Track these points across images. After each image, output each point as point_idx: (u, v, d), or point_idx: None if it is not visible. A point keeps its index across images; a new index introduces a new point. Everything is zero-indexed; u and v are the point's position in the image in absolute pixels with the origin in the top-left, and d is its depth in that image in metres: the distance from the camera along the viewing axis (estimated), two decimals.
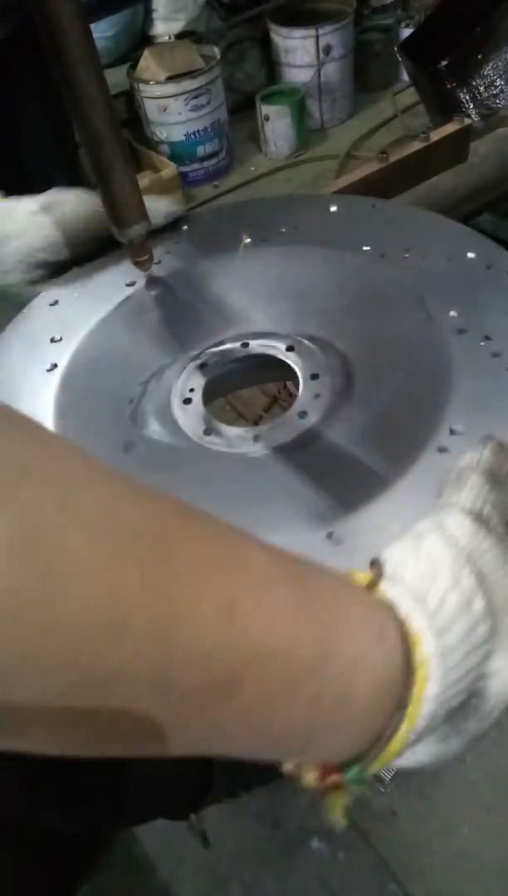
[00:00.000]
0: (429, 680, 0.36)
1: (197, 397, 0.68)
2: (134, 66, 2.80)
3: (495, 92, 2.13)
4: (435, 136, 0.83)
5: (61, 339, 0.74)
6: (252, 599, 0.31)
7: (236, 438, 0.63)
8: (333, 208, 0.79)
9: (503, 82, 2.11)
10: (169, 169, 2.74)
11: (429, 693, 0.36)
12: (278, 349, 0.69)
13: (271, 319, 0.72)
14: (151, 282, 0.77)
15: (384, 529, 0.52)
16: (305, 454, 0.60)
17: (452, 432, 0.57)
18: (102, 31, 2.82)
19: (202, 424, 0.65)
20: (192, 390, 0.68)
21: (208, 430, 0.65)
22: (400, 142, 0.82)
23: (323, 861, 1.18)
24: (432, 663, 0.36)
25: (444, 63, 2.17)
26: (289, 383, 0.71)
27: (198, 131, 2.83)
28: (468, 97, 2.13)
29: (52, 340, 0.74)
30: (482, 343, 0.62)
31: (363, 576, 0.41)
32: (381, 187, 0.83)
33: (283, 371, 0.68)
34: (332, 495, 0.56)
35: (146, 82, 2.76)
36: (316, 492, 0.57)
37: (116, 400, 0.69)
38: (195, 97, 2.75)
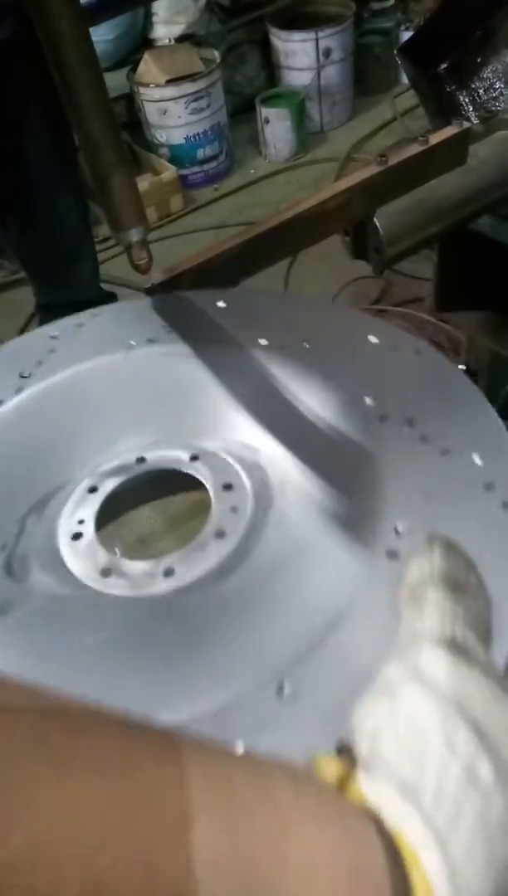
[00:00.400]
0: None
1: (89, 529, 0.57)
2: (134, 70, 2.81)
3: (494, 95, 2.12)
4: (434, 139, 0.83)
5: None
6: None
7: (143, 576, 0.52)
8: (221, 304, 0.72)
9: (502, 85, 2.11)
10: (169, 172, 2.74)
11: None
12: (180, 460, 0.60)
13: (167, 427, 0.63)
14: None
15: (345, 672, 0.42)
16: (230, 586, 0.50)
17: (397, 533, 0.49)
18: (103, 34, 2.82)
19: (98, 564, 0.54)
20: (81, 521, 0.57)
21: (107, 571, 0.53)
22: (400, 145, 0.82)
23: None
24: (438, 886, 0.27)
25: (444, 66, 2.17)
26: None
27: (198, 134, 2.83)
28: (467, 100, 2.13)
29: None
30: (406, 429, 0.55)
31: (332, 767, 0.30)
32: (380, 191, 0.83)
33: (189, 484, 0.59)
34: (274, 637, 0.46)
35: (146, 85, 2.76)
36: (255, 634, 0.47)
37: None
38: (195, 100, 2.76)
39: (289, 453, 0.58)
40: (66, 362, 0.68)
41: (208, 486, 0.57)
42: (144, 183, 2.66)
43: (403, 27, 3.07)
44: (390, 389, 0.59)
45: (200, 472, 0.59)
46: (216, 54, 2.83)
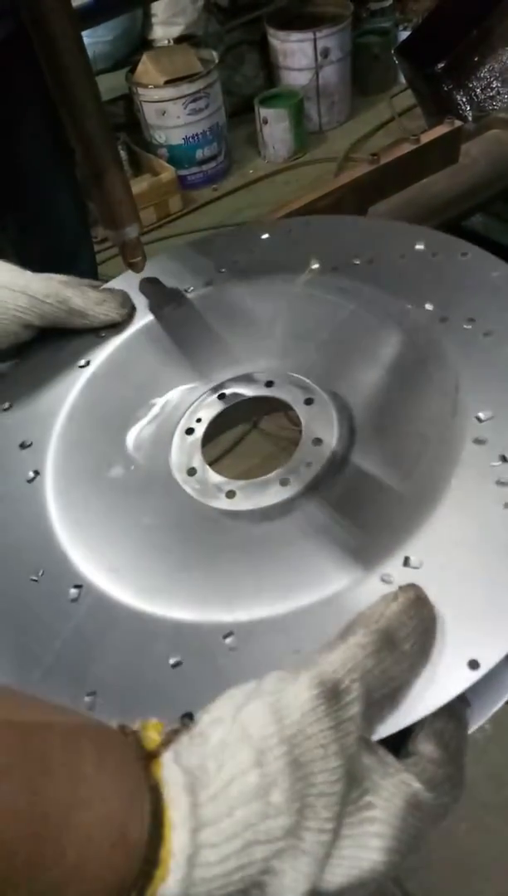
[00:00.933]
0: (167, 879, 0.32)
1: (201, 428, 0.64)
2: (133, 71, 2.82)
3: (491, 94, 2.13)
4: (426, 138, 0.84)
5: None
6: None
7: (212, 487, 0.59)
8: (265, 235, 0.75)
9: (499, 84, 2.12)
10: (168, 172, 2.75)
11: (166, 891, 0.33)
12: (295, 393, 0.65)
13: (273, 356, 0.67)
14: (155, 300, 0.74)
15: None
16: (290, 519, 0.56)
17: (480, 420, 0.53)
18: (102, 35, 2.84)
19: (190, 463, 0.62)
20: (199, 420, 0.64)
21: (192, 471, 0.61)
22: (397, 144, 0.83)
23: None
24: (173, 863, 0.33)
25: (441, 65, 2.18)
26: None
27: (197, 135, 2.84)
28: (464, 99, 2.14)
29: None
30: (467, 326, 0.59)
31: (150, 735, 0.37)
32: (373, 190, 0.84)
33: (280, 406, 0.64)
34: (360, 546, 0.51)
35: (145, 86, 2.78)
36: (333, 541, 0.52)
37: (125, 412, 0.67)
38: (194, 101, 2.77)
39: (357, 370, 0.62)
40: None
41: (290, 402, 0.62)
42: (143, 183, 2.68)
43: (401, 27, 3.08)
44: (445, 292, 0.62)
45: (281, 393, 0.64)
46: (215, 55, 2.84)
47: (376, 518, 0.53)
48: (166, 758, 0.36)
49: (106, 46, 2.87)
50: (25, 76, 1.30)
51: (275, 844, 0.34)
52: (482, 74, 2.14)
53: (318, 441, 0.58)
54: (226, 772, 0.35)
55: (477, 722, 0.46)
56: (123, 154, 2.73)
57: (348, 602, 0.47)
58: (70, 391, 0.70)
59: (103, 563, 0.56)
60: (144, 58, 2.78)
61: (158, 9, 2.95)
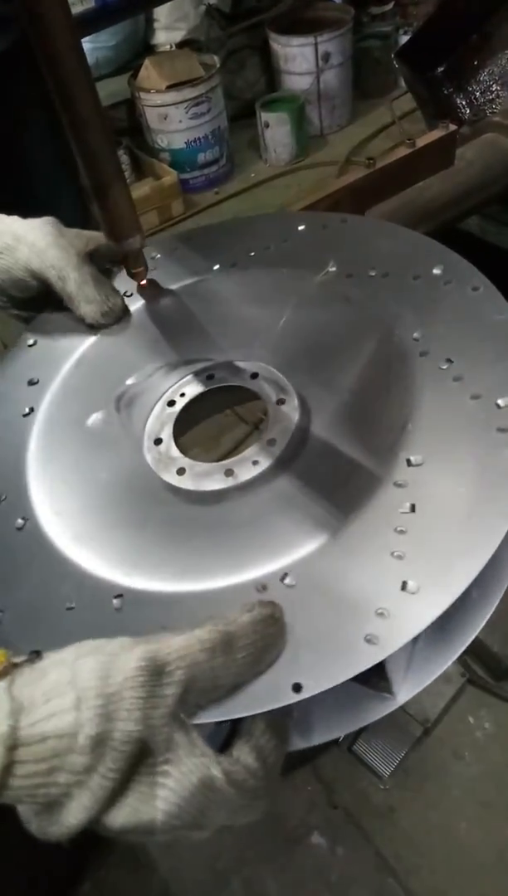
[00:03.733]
0: None
1: (182, 403, 0.69)
2: (135, 75, 2.83)
3: (491, 97, 2.14)
4: (422, 141, 0.85)
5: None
6: None
7: (169, 460, 0.64)
8: (301, 227, 0.78)
9: (499, 88, 2.13)
10: (170, 176, 2.77)
11: None
12: (243, 378, 0.69)
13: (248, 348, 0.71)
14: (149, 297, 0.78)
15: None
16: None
17: (409, 464, 0.55)
18: (104, 40, 2.86)
19: (160, 432, 0.67)
20: (183, 395, 0.69)
21: (158, 441, 0.66)
22: (394, 148, 0.84)
23: (322, 857, 1.18)
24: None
25: (441, 69, 2.19)
26: None
27: (198, 139, 2.86)
28: (464, 103, 2.15)
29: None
30: (443, 366, 0.60)
31: (2, 660, 0.44)
32: (370, 193, 0.85)
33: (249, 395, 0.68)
34: (291, 534, 0.56)
35: (147, 91, 2.79)
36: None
37: (125, 370, 0.72)
38: (196, 105, 2.78)
39: (333, 380, 0.65)
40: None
41: (264, 399, 0.66)
42: (145, 187, 2.69)
43: (402, 31, 3.09)
44: (438, 325, 0.63)
45: (259, 388, 0.68)
46: (216, 59, 2.86)
47: (281, 532, 0.55)
48: (1, 684, 0.42)
49: (108, 51, 2.89)
50: (28, 85, 1.32)
51: (76, 776, 0.41)
52: (481, 78, 2.15)
53: (271, 442, 0.62)
54: (50, 706, 0.42)
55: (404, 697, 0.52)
56: (125, 158, 2.75)
57: (224, 599, 0.52)
58: (85, 340, 0.76)
59: (52, 505, 0.62)
60: (147, 62, 2.80)
61: (160, 14, 2.97)
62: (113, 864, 1.21)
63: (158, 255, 0.82)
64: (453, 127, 0.86)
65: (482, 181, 0.90)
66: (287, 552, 0.53)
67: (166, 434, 0.66)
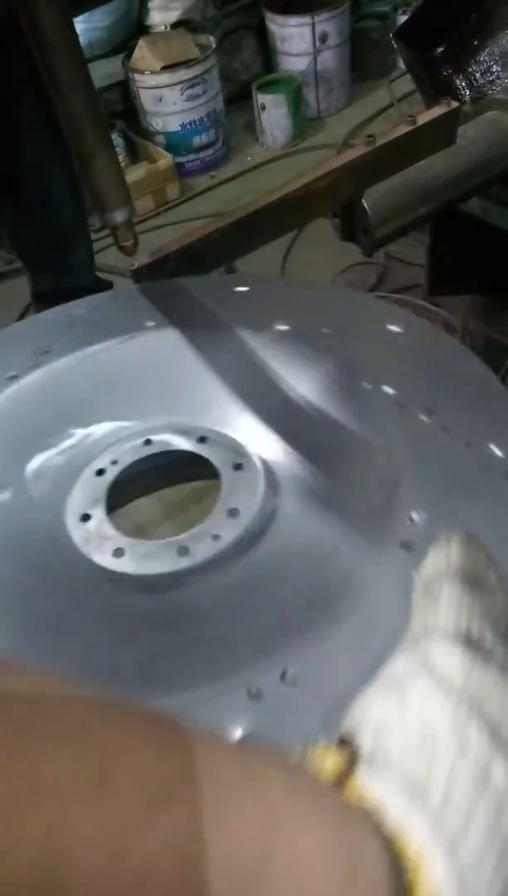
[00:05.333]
0: None
1: (114, 472, 0.59)
2: (129, 56, 2.79)
3: (491, 78, 2.11)
4: (423, 119, 0.82)
5: None
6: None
7: (101, 540, 0.53)
8: (242, 288, 0.72)
9: (499, 68, 2.09)
10: (165, 160, 2.73)
11: None
12: (188, 443, 0.60)
13: (173, 409, 0.63)
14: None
15: (353, 662, 0.41)
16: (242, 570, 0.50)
17: (412, 522, 0.48)
18: (98, 20, 2.80)
19: (88, 507, 0.56)
20: (114, 463, 0.59)
21: (86, 517, 0.55)
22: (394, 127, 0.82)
23: None
24: (445, 893, 0.24)
25: (440, 50, 2.15)
26: None
27: (194, 121, 2.81)
28: (464, 83, 2.11)
29: None
30: (424, 418, 0.54)
31: (331, 761, 0.28)
32: (370, 172, 0.83)
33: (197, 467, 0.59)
34: (280, 622, 0.45)
35: (141, 72, 2.75)
36: (262, 618, 0.47)
37: (39, 435, 0.61)
38: (191, 87, 2.74)
39: (299, 442, 0.58)
40: (82, 341, 0.68)
41: (217, 465, 0.57)
42: (140, 171, 2.65)
43: (400, 11, 3.04)
44: (409, 378, 0.58)
45: (210, 453, 0.59)
46: (212, 40, 2.81)
47: (265, 619, 0.46)
48: (360, 773, 0.27)
49: (102, 32, 2.84)
50: (21, 60, 1.29)
51: None
52: (481, 58, 2.11)
53: (234, 512, 0.53)
54: (438, 770, 0.26)
55: None
56: (119, 142, 2.70)
57: (204, 713, 0.40)
58: None
59: None
60: (141, 43, 2.75)
61: None
62: None
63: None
64: (455, 104, 0.83)
65: (485, 160, 0.88)
66: (277, 641, 0.44)
67: (98, 508, 0.56)
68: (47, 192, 1.53)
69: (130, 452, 0.60)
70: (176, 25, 2.90)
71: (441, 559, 0.37)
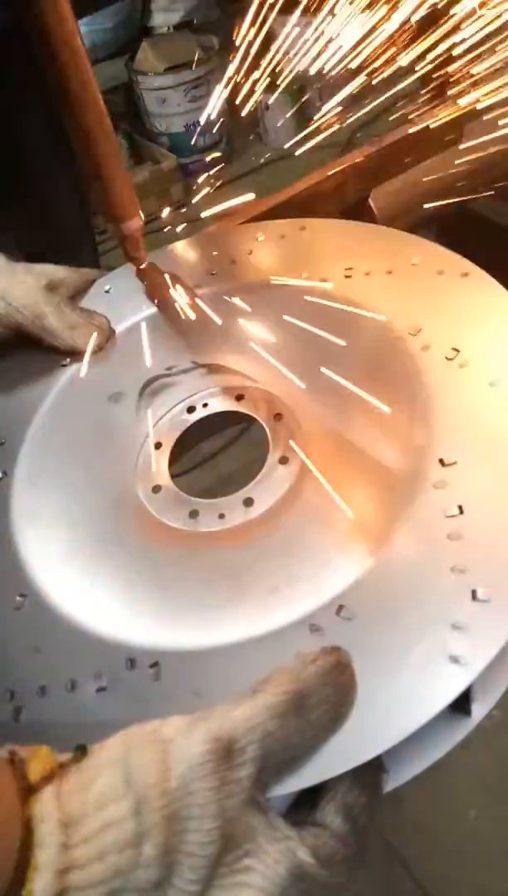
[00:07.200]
0: None
1: (169, 444, 0.63)
2: (132, 58, 2.79)
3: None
4: (429, 118, 0.82)
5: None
6: None
7: (174, 506, 0.58)
8: (260, 237, 0.75)
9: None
10: (169, 161, 2.73)
11: None
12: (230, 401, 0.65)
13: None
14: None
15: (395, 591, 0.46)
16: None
17: (443, 465, 0.51)
18: (101, 22, 2.81)
19: (155, 479, 0.61)
20: (167, 435, 0.64)
21: (157, 488, 0.60)
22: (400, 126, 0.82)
23: None
24: None
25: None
26: None
27: (197, 122, 2.82)
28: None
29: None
30: (448, 357, 0.57)
31: (36, 767, 0.35)
32: (376, 172, 0.83)
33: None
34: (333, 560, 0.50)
35: (145, 74, 2.75)
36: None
37: (98, 420, 0.67)
38: (194, 88, 2.74)
39: (325, 386, 0.60)
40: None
41: (259, 419, 0.61)
42: (144, 172, 2.66)
43: None
44: (434, 317, 0.60)
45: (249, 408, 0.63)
46: (215, 41, 2.81)
47: (320, 560, 0.50)
48: (47, 792, 0.34)
49: (105, 34, 2.85)
50: (25, 67, 1.29)
51: (144, 895, 0.34)
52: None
53: (285, 460, 0.57)
54: (105, 815, 0.34)
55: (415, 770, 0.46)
56: (123, 143, 2.71)
57: (275, 649, 0.45)
58: (49, 392, 0.68)
59: (49, 569, 0.54)
60: (144, 45, 2.75)
61: None
62: None
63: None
64: (461, 102, 0.83)
65: (491, 159, 0.88)
66: (334, 580, 0.47)
67: (164, 478, 0.60)
68: (52, 197, 1.53)
69: (178, 423, 0.65)
70: (179, 27, 2.90)
71: (293, 671, 0.40)
